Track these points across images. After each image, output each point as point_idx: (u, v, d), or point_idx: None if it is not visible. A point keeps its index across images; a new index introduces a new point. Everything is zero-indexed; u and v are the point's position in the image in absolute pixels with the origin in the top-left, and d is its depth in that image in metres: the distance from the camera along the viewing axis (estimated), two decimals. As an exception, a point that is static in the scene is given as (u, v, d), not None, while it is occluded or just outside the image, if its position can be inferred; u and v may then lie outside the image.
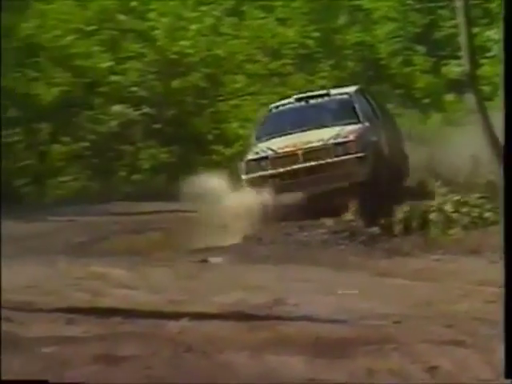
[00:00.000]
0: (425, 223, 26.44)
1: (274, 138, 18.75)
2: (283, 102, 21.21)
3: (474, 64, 26.90)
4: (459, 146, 32.11)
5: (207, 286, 20.83)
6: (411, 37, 52.16)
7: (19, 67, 48.65)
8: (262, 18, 45.08)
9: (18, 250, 29.10)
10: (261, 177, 17.66)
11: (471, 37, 26.67)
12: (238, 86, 45.27)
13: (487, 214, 28.12)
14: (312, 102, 20.91)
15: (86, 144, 47.83)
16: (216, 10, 46.97)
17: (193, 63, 45.39)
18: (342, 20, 44.71)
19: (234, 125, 41.93)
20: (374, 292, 18.21)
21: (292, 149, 17.54)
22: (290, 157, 17.79)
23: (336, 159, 17.76)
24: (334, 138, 17.60)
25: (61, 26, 48.39)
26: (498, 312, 12.77)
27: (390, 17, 46.40)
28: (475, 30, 36.74)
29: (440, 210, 28.25)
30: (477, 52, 31.69)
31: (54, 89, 48.50)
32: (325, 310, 15.83)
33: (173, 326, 14.59)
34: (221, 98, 47.34)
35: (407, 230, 26.98)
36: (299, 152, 17.61)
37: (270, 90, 42.09)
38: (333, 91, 21.37)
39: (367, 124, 19.29)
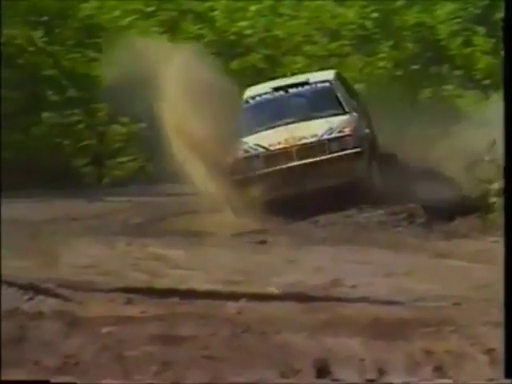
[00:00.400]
0: (484, 206, 26.68)
1: (258, 132, 17.90)
2: (259, 91, 20.47)
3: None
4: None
5: (265, 267, 20.96)
6: (471, 17, 50.78)
7: (79, 47, 47.87)
8: (321, -2, 45.10)
9: (78, 231, 29.64)
10: (252, 178, 16.68)
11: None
12: (296, 66, 41.70)
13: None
14: (291, 91, 20.17)
15: (144, 125, 46.25)
16: (275, -10, 47.25)
17: (251, 44, 44.49)
18: (402, 1, 41.86)
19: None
20: (432, 274, 18.14)
21: (285, 145, 16.78)
22: (283, 154, 16.97)
23: (333, 155, 16.93)
24: (329, 133, 16.71)
25: (120, 6, 48.31)
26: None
27: (450, -3, 46.18)
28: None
29: (499, 192, 26.71)
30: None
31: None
32: (383, 292, 15.97)
33: (231, 306, 14.72)
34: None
35: (465, 212, 26.76)
36: (293, 149, 16.85)
37: (329, 72, 38.75)
38: (311, 78, 20.54)
39: (355, 114, 18.46)
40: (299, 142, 17.06)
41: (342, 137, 16.19)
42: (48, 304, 14.33)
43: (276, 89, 19.80)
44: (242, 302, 14.65)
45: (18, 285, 15.91)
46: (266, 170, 16.16)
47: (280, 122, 17.95)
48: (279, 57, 44.26)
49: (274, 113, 18.32)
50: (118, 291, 15.98)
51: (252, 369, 11.13)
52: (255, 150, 17.06)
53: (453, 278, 17.33)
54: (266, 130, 17.76)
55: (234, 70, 44.60)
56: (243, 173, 16.54)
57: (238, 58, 45.58)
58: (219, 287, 16.86)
